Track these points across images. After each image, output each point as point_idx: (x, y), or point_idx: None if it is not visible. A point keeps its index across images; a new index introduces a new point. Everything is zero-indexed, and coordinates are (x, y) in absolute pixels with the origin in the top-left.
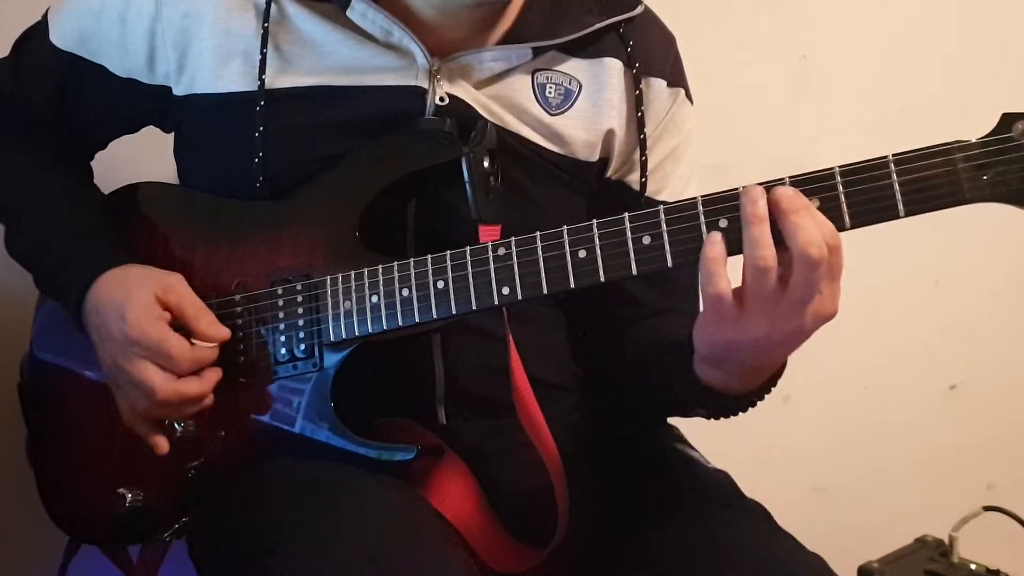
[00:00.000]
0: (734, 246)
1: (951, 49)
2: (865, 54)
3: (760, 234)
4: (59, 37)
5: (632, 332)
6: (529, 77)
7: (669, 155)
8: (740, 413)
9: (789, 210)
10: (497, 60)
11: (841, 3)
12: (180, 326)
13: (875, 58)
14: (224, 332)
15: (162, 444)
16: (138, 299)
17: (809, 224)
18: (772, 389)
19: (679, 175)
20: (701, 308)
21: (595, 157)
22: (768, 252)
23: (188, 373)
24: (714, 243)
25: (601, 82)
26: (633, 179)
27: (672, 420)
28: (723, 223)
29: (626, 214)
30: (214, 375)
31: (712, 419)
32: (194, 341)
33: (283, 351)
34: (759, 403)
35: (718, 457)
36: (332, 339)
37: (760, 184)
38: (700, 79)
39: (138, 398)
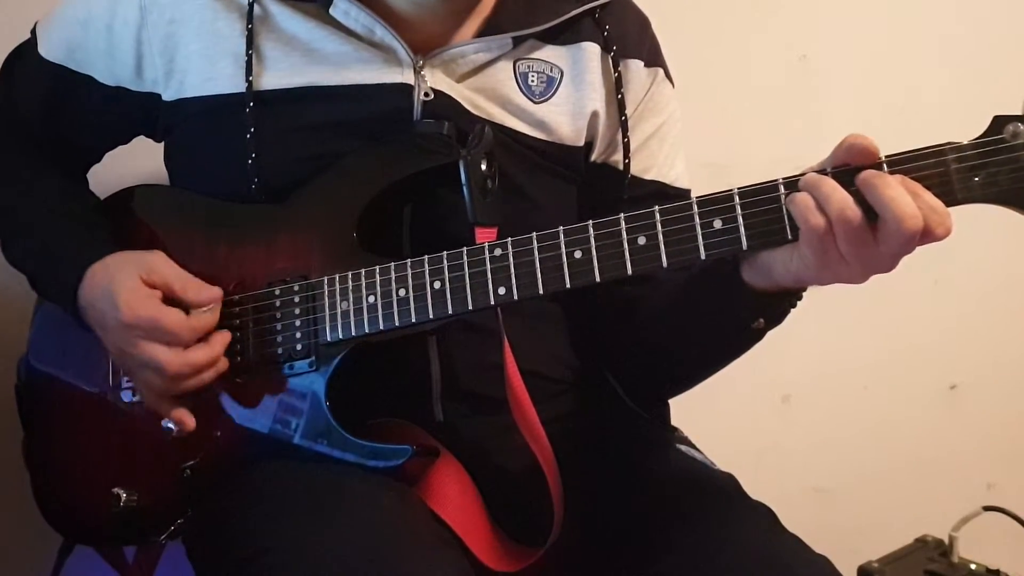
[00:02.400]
0: (727, 245)
1: (952, 49)
2: (865, 54)
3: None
4: (47, 49)
5: (645, 301)
6: (511, 67)
7: (653, 134)
8: (792, 309)
9: (873, 184)
10: (478, 52)
11: (841, 3)
12: (173, 300)
13: (875, 58)
14: (215, 292)
15: (188, 420)
16: (124, 284)
17: (902, 195)
18: None
19: (665, 154)
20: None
21: (582, 141)
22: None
23: (192, 342)
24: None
25: (581, 67)
26: (617, 160)
27: (673, 421)
28: (717, 223)
29: (622, 215)
30: (221, 338)
31: (770, 328)
32: (190, 311)
33: (280, 351)
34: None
35: (718, 457)
36: (329, 339)
37: (755, 185)
38: (700, 78)
39: (152, 378)
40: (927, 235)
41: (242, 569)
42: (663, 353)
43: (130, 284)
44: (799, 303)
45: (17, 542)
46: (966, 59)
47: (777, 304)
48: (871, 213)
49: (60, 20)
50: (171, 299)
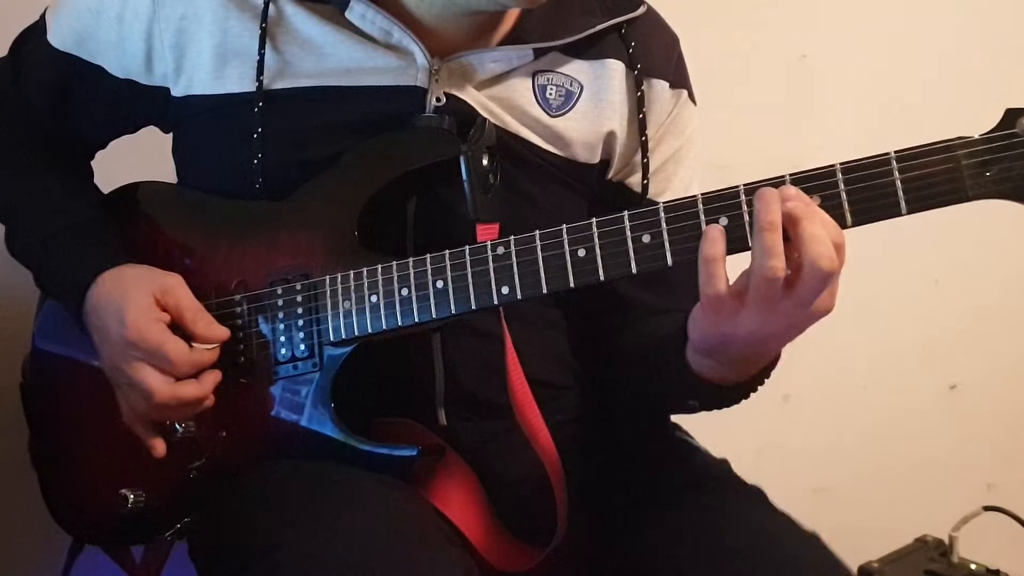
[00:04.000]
0: (734, 244)
1: (952, 47)
2: (865, 53)
3: (773, 243)
4: (57, 38)
5: (630, 331)
6: (530, 79)
7: (671, 157)
8: (732, 404)
9: (801, 216)
10: (498, 61)
11: (841, 3)
12: (179, 327)
13: (876, 57)
14: (223, 332)
15: (159, 447)
16: (136, 301)
17: (821, 233)
18: (765, 380)
19: (681, 177)
20: (701, 303)
21: (596, 159)
22: (779, 263)
23: (187, 376)
24: (713, 241)
25: (602, 84)
26: (634, 181)
27: (673, 419)
28: (723, 221)
29: (626, 212)
30: (213, 378)
31: (705, 410)
32: (193, 344)
33: (283, 351)
34: (752, 395)
35: (718, 457)
36: (332, 339)
37: (762, 182)
38: (700, 78)
39: (137, 400)
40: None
41: (248, 568)
42: (627, 394)
43: (142, 302)
44: (741, 395)
45: (27, 542)
46: (967, 57)
47: (710, 392)
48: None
49: (71, 9)
50: (177, 326)
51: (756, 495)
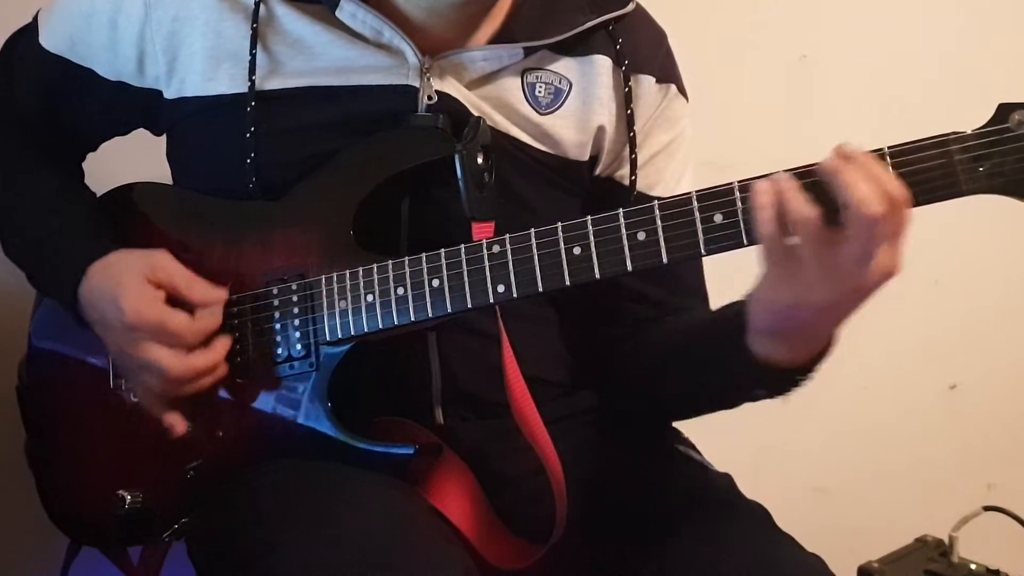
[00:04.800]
0: (729, 241)
1: (952, 47)
2: (865, 53)
3: (767, 215)
4: (49, 40)
5: (651, 332)
6: (519, 77)
7: (662, 150)
8: (797, 388)
9: (833, 170)
10: (488, 60)
11: (841, 3)
12: (176, 300)
13: (875, 57)
14: (220, 293)
15: (180, 425)
16: (128, 285)
17: (859, 181)
18: (824, 360)
19: (672, 170)
20: (762, 268)
21: (586, 156)
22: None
23: (196, 345)
24: (761, 192)
25: (591, 80)
26: (622, 175)
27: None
28: (718, 218)
29: (620, 210)
30: (222, 343)
31: (772, 398)
32: (195, 312)
33: (280, 351)
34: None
35: (718, 457)
36: (328, 338)
37: (756, 178)
38: (699, 78)
39: (152, 380)
40: (889, 225)
41: (246, 568)
42: (660, 395)
43: (134, 285)
44: (806, 378)
45: (25, 543)
46: (967, 58)
47: (779, 377)
48: (833, 212)
49: (63, 11)
50: (174, 299)
51: (757, 515)
